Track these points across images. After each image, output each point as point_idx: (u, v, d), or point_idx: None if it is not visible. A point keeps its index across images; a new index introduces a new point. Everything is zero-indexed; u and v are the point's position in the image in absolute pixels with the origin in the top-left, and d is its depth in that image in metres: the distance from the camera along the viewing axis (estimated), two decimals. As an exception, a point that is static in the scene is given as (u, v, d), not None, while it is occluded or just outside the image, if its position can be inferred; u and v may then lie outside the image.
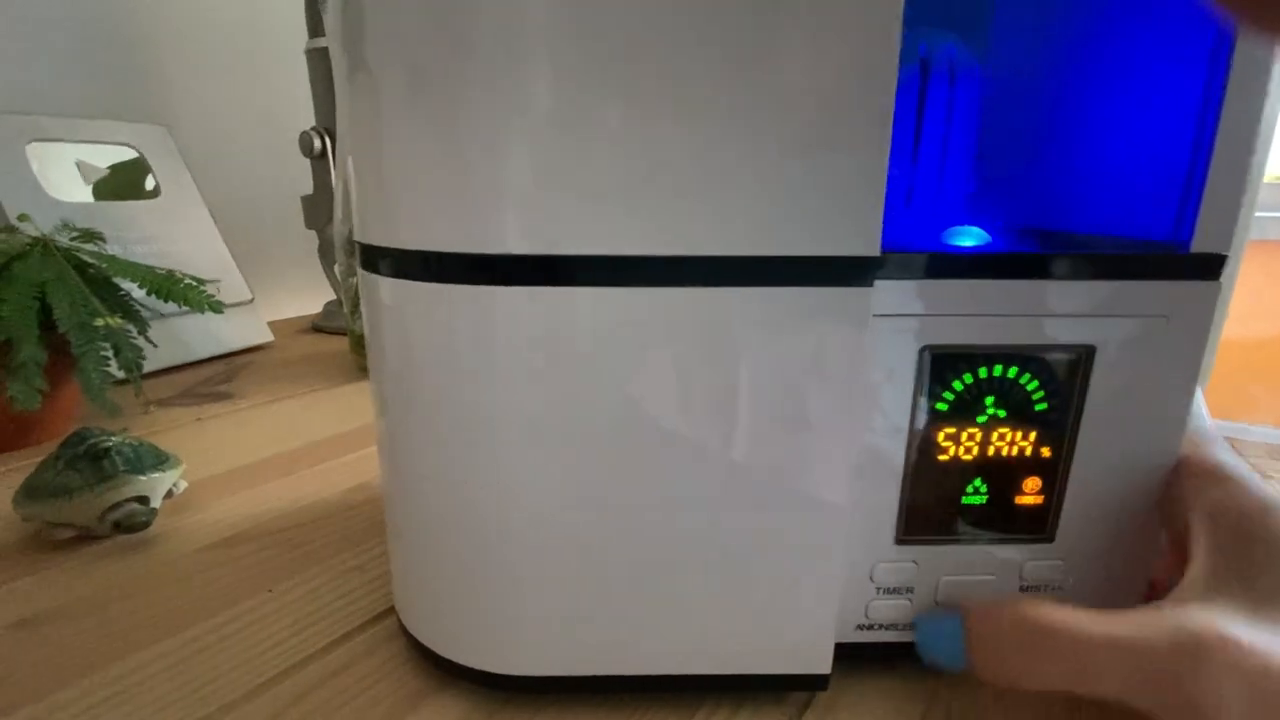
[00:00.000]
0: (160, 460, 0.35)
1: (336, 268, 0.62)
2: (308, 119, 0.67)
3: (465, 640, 0.23)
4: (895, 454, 0.22)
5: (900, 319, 0.20)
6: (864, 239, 0.19)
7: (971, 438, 0.22)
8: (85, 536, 0.33)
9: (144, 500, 0.33)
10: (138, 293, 0.47)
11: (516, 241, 0.19)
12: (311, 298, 0.80)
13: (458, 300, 0.20)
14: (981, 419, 0.22)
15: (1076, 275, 0.20)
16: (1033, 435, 0.22)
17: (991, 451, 0.22)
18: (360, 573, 0.30)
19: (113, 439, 0.34)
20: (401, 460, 0.23)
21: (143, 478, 0.33)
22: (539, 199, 0.18)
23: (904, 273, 0.20)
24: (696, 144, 0.18)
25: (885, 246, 0.19)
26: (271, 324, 0.71)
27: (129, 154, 0.65)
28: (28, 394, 0.37)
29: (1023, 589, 0.23)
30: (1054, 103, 0.26)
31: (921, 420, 0.22)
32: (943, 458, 0.22)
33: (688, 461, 0.20)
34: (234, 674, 0.24)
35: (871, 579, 0.23)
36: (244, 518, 0.35)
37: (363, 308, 0.23)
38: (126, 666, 0.25)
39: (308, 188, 0.70)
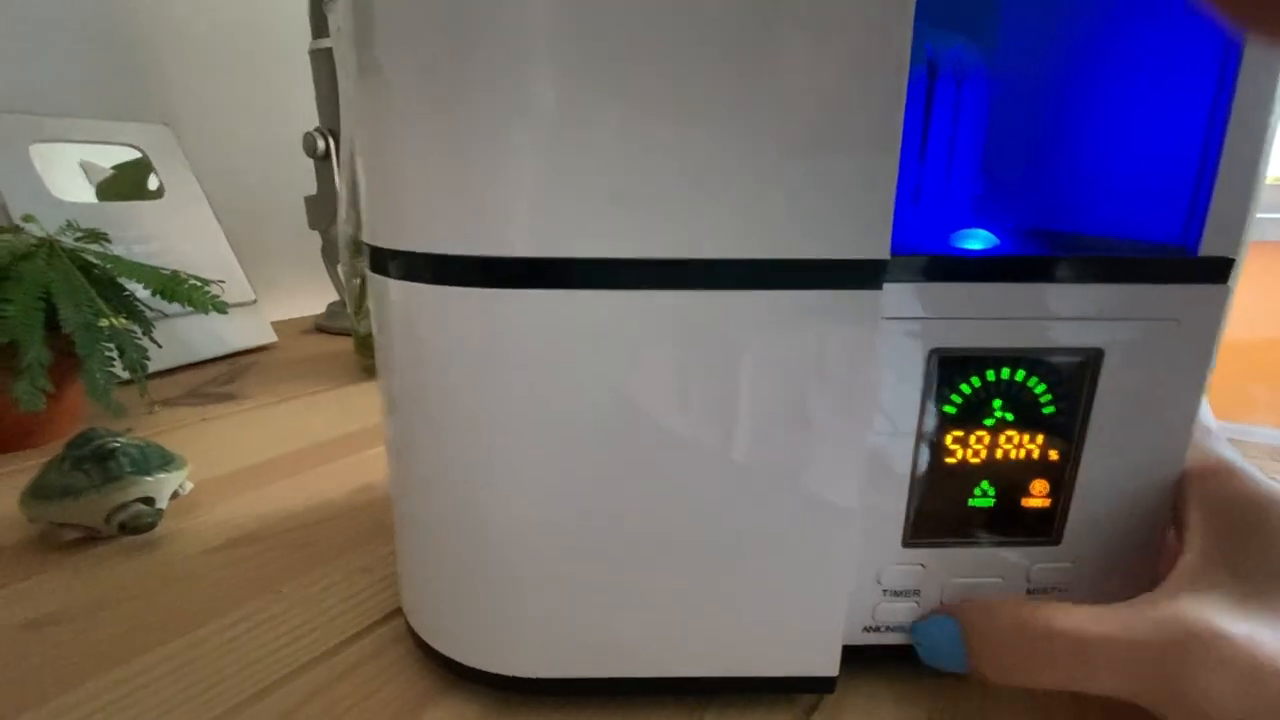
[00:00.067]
0: (166, 461, 0.35)
1: (339, 268, 0.62)
2: (311, 119, 0.67)
3: (473, 642, 0.23)
4: (903, 457, 0.22)
5: (908, 322, 0.21)
6: (874, 242, 0.19)
7: (979, 441, 0.22)
8: (91, 537, 0.33)
9: (150, 501, 0.33)
10: (142, 293, 0.47)
11: (523, 244, 0.19)
12: (314, 298, 0.80)
13: (465, 302, 0.20)
14: (989, 422, 0.22)
15: (1085, 278, 0.20)
16: (1040, 438, 0.22)
17: (999, 454, 0.22)
18: (367, 574, 0.30)
19: (119, 440, 0.34)
20: (409, 461, 0.23)
21: (149, 479, 0.33)
22: (546, 202, 0.18)
23: (912, 276, 0.20)
24: (706, 147, 0.18)
25: (893, 249, 0.19)
26: (274, 324, 0.71)
27: (132, 154, 0.65)
28: (33, 395, 0.38)
29: (1030, 592, 0.23)
30: (1061, 105, 0.26)
31: (929, 423, 0.22)
32: (950, 461, 0.22)
33: (696, 465, 0.20)
34: (241, 676, 0.24)
35: (879, 581, 0.23)
36: (250, 518, 0.35)
37: (371, 309, 0.23)
38: (132, 669, 0.25)
39: (311, 188, 0.70)
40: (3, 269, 0.40)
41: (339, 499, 0.38)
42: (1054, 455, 0.22)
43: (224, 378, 0.59)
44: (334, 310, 0.76)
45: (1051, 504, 0.23)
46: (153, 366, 0.45)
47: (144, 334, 0.46)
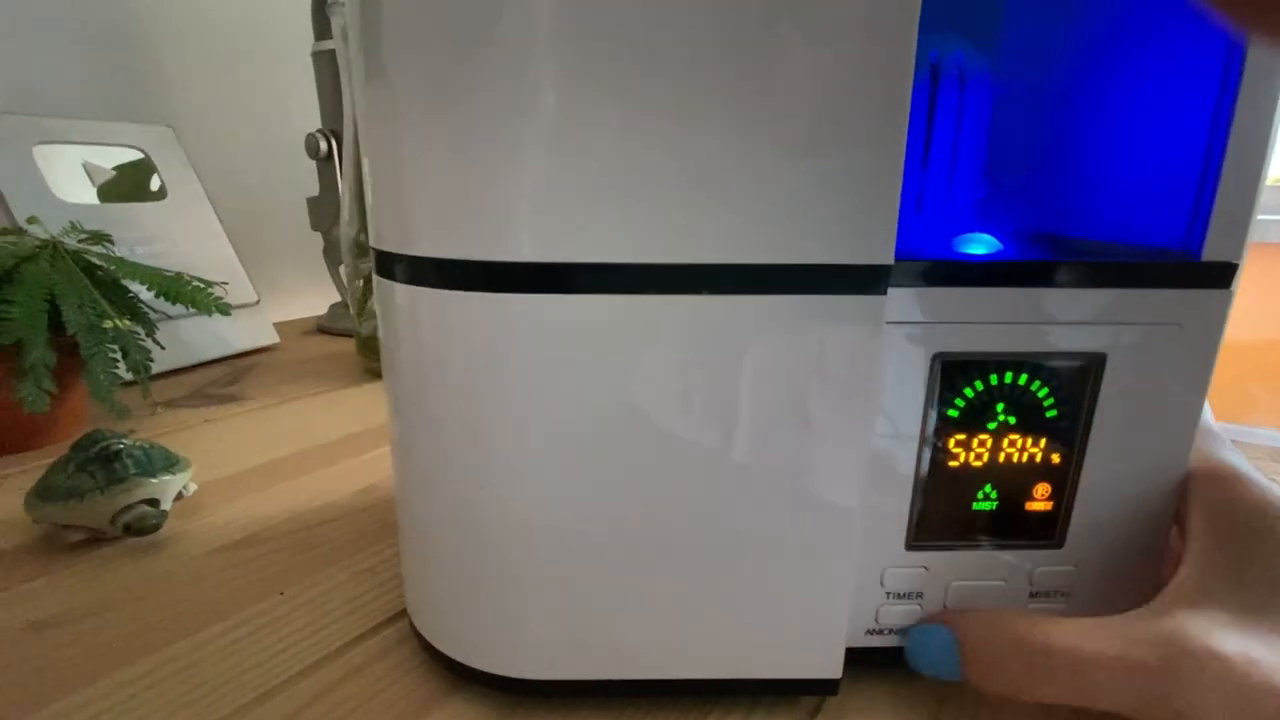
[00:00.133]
0: (171, 462, 0.35)
1: (342, 269, 0.62)
2: (313, 120, 0.68)
3: (477, 644, 0.23)
4: (906, 460, 0.22)
5: (912, 326, 0.21)
6: (878, 247, 0.19)
7: (982, 444, 0.22)
8: (96, 539, 0.33)
9: (155, 503, 0.33)
10: (145, 295, 0.47)
11: (529, 249, 0.19)
12: (316, 299, 0.80)
13: (469, 306, 0.20)
14: (992, 425, 0.22)
15: (1088, 283, 0.20)
16: (1043, 442, 0.22)
17: (1002, 458, 0.22)
18: (371, 575, 0.31)
19: (124, 442, 0.34)
20: (413, 463, 0.23)
21: (154, 480, 0.33)
22: (550, 208, 0.19)
23: (916, 280, 0.20)
24: (710, 152, 0.18)
25: (897, 254, 0.19)
26: (276, 325, 0.71)
27: (134, 155, 0.65)
28: (37, 396, 0.38)
29: (1032, 595, 0.23)
30: (1064, 109, 0.26)
31: (932, 427, 0.22)
32: (953, 464, 0.22)
33: (699, 469, 0.20)
34: (246, 677, 0.24)
35: (882, 584, 0.23)
36: (254, 520, 0.35)
37: (377, 312, 0.23)
38: (137, 670, 0.25)
39: (313, 189, 0.70)
40: (7, 271, 0.40)
41: (342, 500, 0.38)
42: (1057, 459, 0.22)
43: (227, 379, 0.59)
44: (336, 311, 0.77)
45: (1054, 507, 0.23)
46: (156, 368, 0.45)
47: (147, 335, 0.46)
